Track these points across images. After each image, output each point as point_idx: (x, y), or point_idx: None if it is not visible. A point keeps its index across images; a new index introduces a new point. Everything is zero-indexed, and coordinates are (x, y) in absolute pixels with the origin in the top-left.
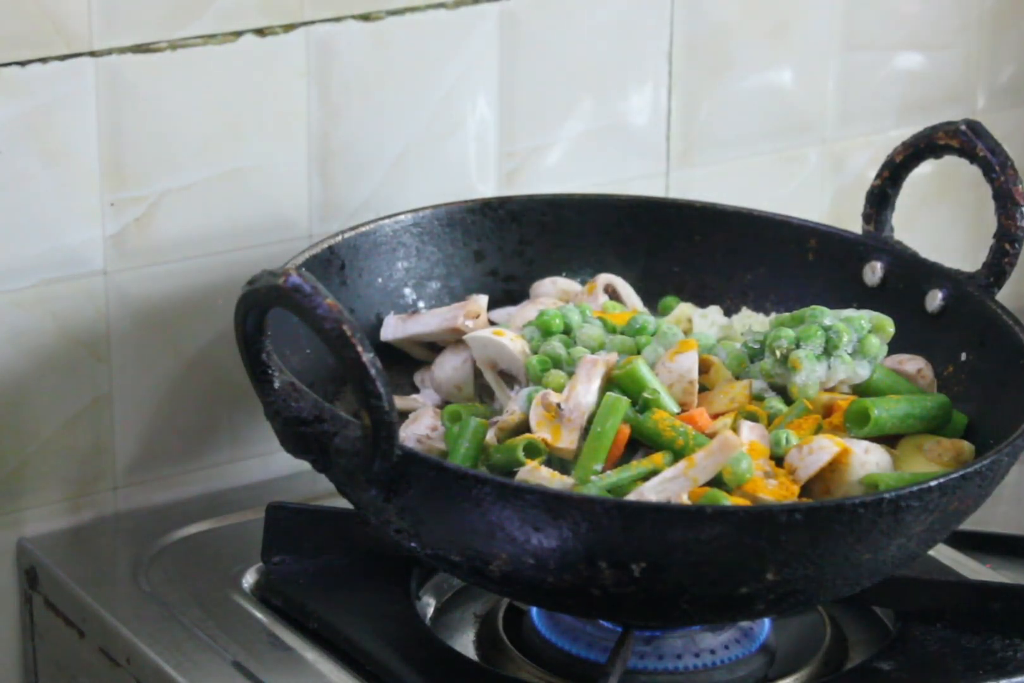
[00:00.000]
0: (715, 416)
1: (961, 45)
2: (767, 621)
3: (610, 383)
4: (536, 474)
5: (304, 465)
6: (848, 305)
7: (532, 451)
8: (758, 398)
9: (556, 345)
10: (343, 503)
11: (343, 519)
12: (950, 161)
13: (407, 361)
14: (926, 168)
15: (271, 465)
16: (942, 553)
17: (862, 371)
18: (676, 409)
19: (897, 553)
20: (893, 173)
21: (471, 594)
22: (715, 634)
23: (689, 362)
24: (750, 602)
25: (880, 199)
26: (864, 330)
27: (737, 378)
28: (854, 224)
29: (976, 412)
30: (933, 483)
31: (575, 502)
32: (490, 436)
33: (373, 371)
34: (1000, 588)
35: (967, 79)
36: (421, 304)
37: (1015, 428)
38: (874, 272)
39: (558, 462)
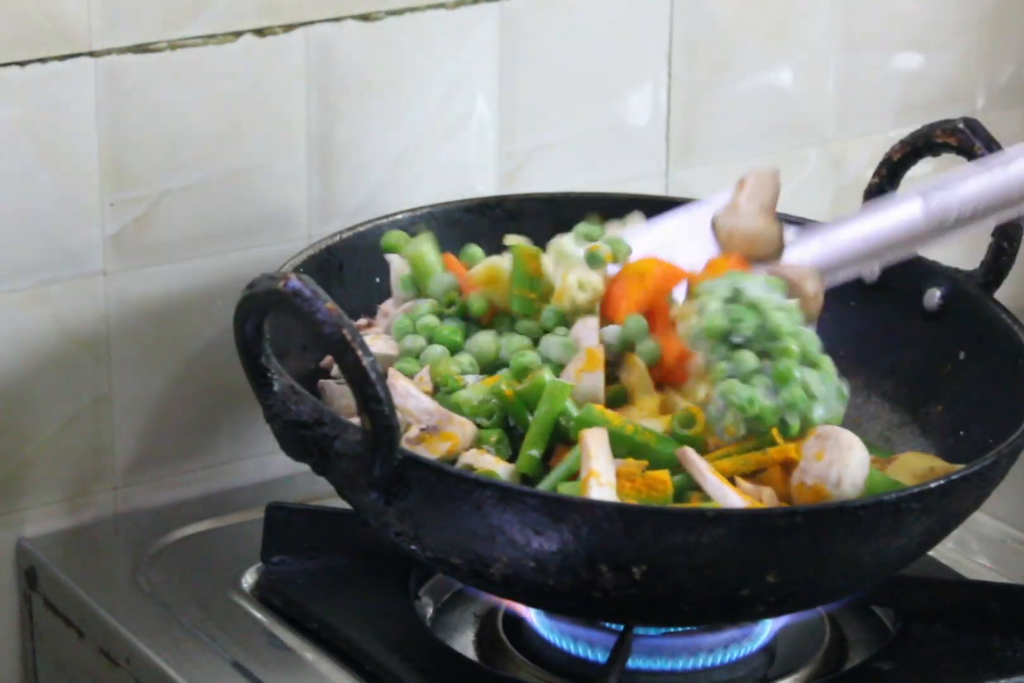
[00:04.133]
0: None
1: (961, 45)
2: (768, 622)
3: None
4: (480, 459)
5: (304, 465)
6: (846, 304)
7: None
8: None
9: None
10: (343, 503)
11: (343, 519)
12: (948, 159)
13: None
14: (924, 166)
15: (271, 465)
16: (942, 553)
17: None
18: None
19: (897, 555)
20: (891, 171)
21: (471, 594)
22: (715, 634)
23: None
24: (751, 604)
25: (878, 197)
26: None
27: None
28: None
29: (975, 411)
30: (933, 484)
31: (576, 505)
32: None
33: (373, 375)
34: (1000, 588)
35: (967, 79)
36: None
37: (1015, 428)
38: (872, 271)
39: (505, 449)
